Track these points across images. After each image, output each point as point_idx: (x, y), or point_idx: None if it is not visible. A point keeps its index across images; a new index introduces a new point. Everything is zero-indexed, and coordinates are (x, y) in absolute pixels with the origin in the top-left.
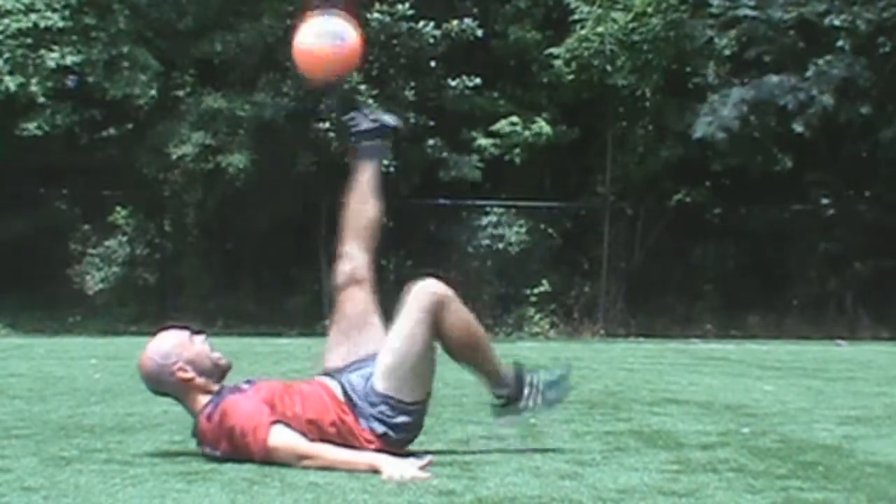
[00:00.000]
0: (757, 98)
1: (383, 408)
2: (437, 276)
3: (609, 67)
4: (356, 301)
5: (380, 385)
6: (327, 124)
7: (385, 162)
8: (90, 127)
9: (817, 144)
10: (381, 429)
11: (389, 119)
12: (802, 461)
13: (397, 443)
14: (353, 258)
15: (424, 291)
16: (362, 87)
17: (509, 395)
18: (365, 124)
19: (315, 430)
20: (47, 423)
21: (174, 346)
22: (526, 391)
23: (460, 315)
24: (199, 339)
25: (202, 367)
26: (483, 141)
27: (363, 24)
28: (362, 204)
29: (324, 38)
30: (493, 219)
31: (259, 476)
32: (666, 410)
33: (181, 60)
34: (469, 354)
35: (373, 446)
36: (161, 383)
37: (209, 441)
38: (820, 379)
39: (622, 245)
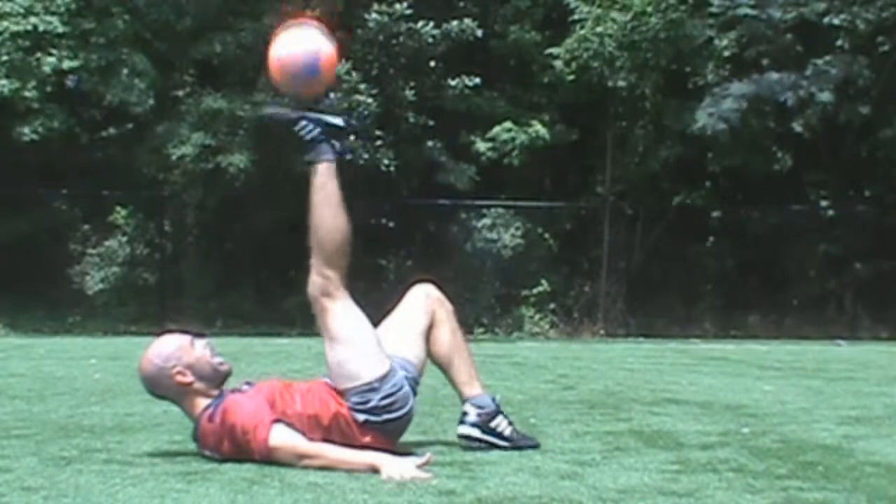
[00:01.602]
0: (756, 93)
1: (354, 399)
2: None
3: (608, 68)
4: (336, 316)
5: (339, 385)
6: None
7: (385, 161)
8: (90, 127)
9: (817, 144)
10: (361, 417)
11: (335, 119)
12: (802, 461)
13: (387, 429)
14: (312, 281)
15: (426, 295)
16: (362, 86)
17: (485, 411)
18: (315, 129)
19: (315, 427)
20: (47, 423)
21: (174, 349)
22: (498, 419)
23: (454, 324)
24: (201, 343)
25: (201, 372)
26: (481, 146)
27: (361, 24)
28: (334, 219)
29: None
30: (492, 219)
31: (259, 476)
32: (666, 410)
33: (180, 61)
34: (459, 361)
35: (367, 439)
36: (160, 386)
37: (211, 443)
38: (820, 379)
39: (622, 245)
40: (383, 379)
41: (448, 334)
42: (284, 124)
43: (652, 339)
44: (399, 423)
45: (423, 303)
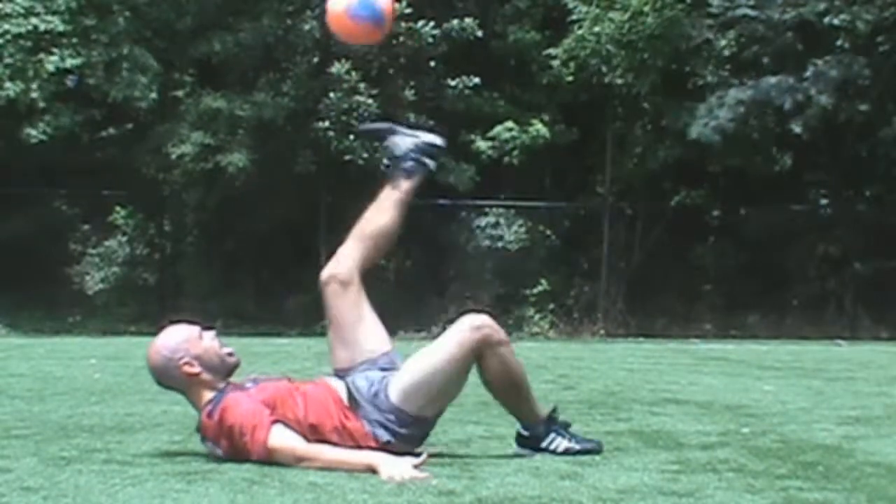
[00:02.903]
0: (754, 98)
1: (392, 417)
2: (490, 314)
3: (605, 67)
4: (344, 305)
5: (396, 397)
6: (328, 123)
7: (385, 161)
8: (90, 127)
9: (816, 144)
10: (385, 436)
11: (434, 138)
12: (802, 461)
13: (399, 449)
14: (342, 262)
15: (474, 328)
16: (361, 85)
17: (534, 435)
18: (403, 146)
19: (316, 434)
20: (47, 423)
21: (182, 340)
22: (549, 438)
23: (504, 359)
24: (209, 335)
25: (209, 363)
26: (481, 144)
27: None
28: (378, 213)
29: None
30: (493, 219)
31: (259, 476)
32: (666, 410)
33: (180, 60)
34: (505, 397)
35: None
36: (167, 377)
37: (211, 438)
38: (820, 379)
39: (622, 245)
40: (428, 420)
41: (498, 380)
42: (377, 138)
43: (652, 339)
44: (410, 448)
45: (468, 352)
